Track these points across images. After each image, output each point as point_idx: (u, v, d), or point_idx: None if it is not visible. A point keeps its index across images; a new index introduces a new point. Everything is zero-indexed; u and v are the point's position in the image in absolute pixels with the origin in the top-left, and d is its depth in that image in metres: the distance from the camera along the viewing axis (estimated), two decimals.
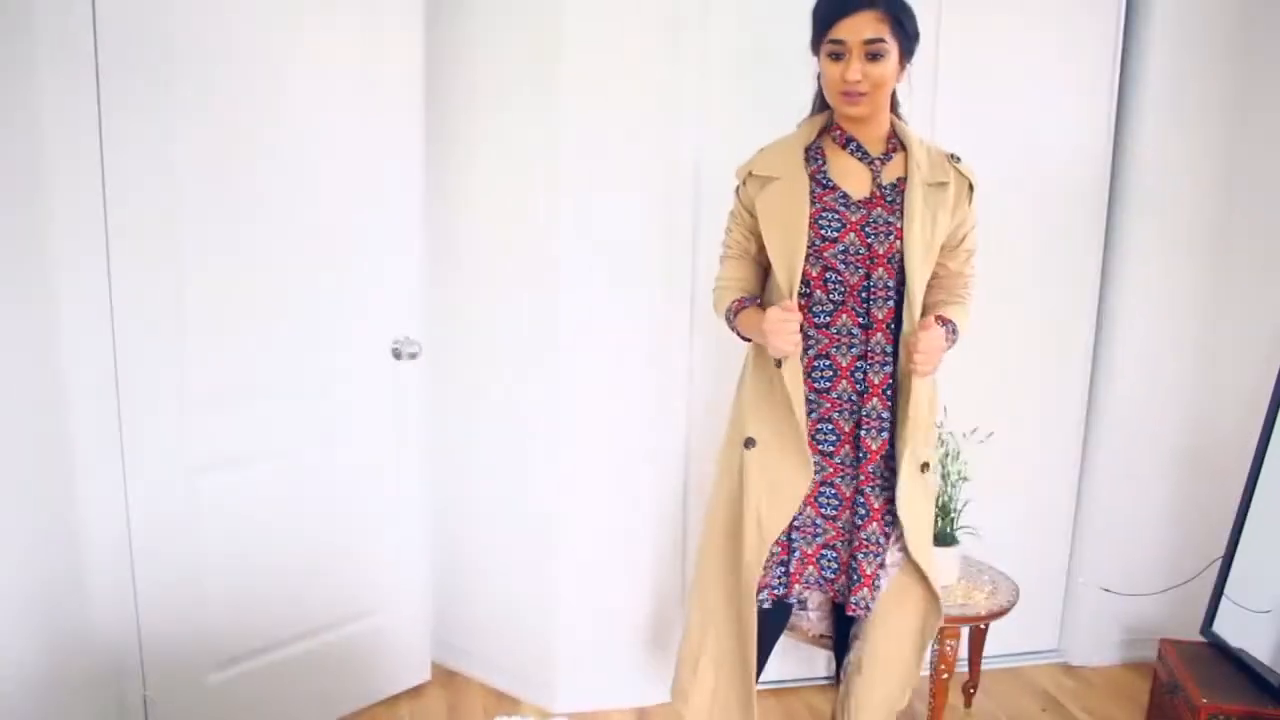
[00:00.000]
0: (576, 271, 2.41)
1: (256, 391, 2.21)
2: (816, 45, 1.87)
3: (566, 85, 2.32)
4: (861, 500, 1.93)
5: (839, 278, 1.89)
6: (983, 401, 2.68)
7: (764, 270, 2.01)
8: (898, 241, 1.86)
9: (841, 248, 1.87)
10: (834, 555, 1.99)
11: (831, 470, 1.97)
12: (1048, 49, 2.62)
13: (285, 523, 2.31)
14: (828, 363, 1.94)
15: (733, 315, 1.98)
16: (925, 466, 1.98)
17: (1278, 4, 2.61)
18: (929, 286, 1.95)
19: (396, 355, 2.45)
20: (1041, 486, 2.86)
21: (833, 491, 1.97)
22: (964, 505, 2.48)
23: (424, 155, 2.45)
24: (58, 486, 1.94)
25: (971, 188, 1.95)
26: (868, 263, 1.87)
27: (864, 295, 1.89)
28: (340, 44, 2.24)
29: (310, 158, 2.22)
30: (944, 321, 1.92)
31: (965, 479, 2.46)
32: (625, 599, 2.58)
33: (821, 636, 2.22)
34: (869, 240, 1.87)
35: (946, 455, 2.47)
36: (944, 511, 2.47)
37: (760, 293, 2.01)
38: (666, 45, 2.34)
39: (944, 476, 2.46)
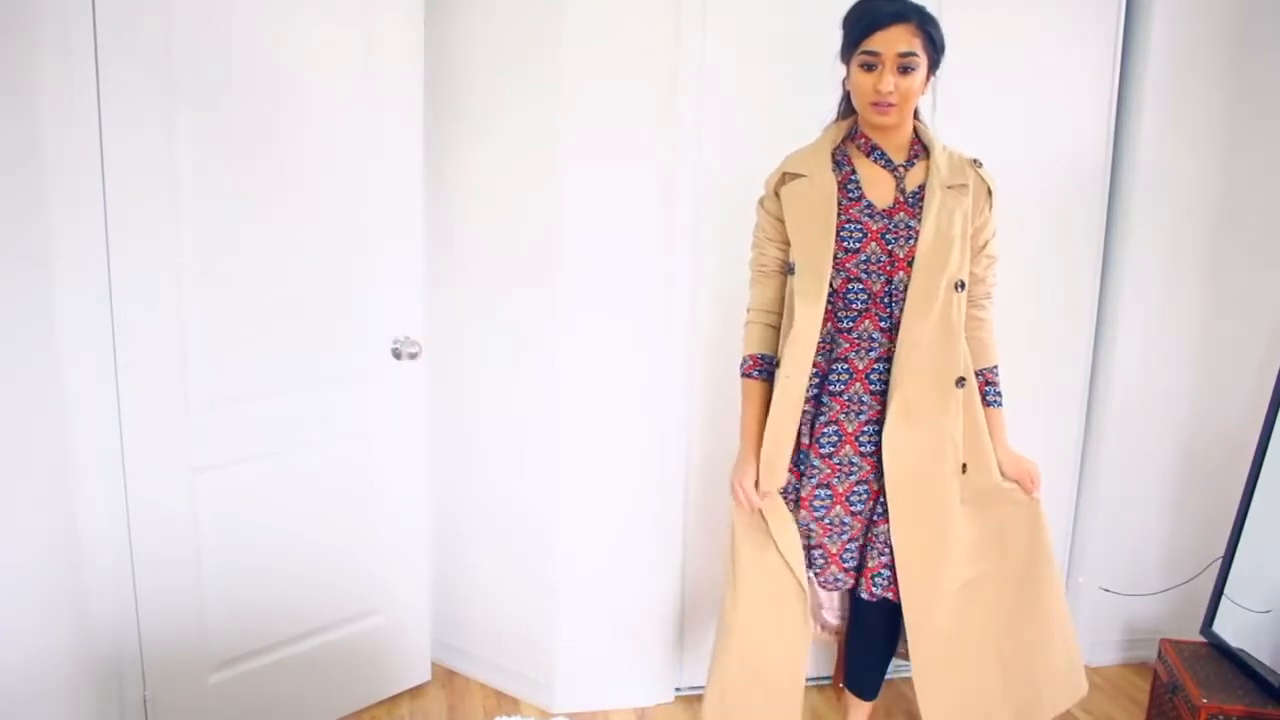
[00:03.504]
0: (576, 271, 2.40)
1: (256, 391, 2.21)
2: (848, 55, 1.91)
3: (566, 82, 2.32)
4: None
5: (861, 286, 1.94)
6: None
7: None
8: (915, 244, 1.91)
9: (863, 258, 1.92)
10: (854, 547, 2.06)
11: (830, 471, 1.99)
12: (1048, 49, 2.62)
13: (285, 523, 2.31)
14: (845, 366, 1.97)
15: (739, 370, 2.06)
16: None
17: (1278, 4, 2.61)
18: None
19: (396, 355, 2.45)
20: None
21: (828, 493, 2.00)
22: None
23: (423, 153, 2.45)
24: (58, 486, 1.94)
25: (990, 192, 1.99)
26: (889, 268, 1.93)
27: (886, 300, 1.94)
28: (340, 39, 2.24)
29: (310, 156, 2.22)
30: (991, 382, 2.06)
31: None
32: (625, 599, 2.58)
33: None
34: (889, 246, 1.92)
35: None
36: None
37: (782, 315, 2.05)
38: (666, 37, 2.34)
39: None
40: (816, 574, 2.07)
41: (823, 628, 2.25)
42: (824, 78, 2.24)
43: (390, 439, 2.49)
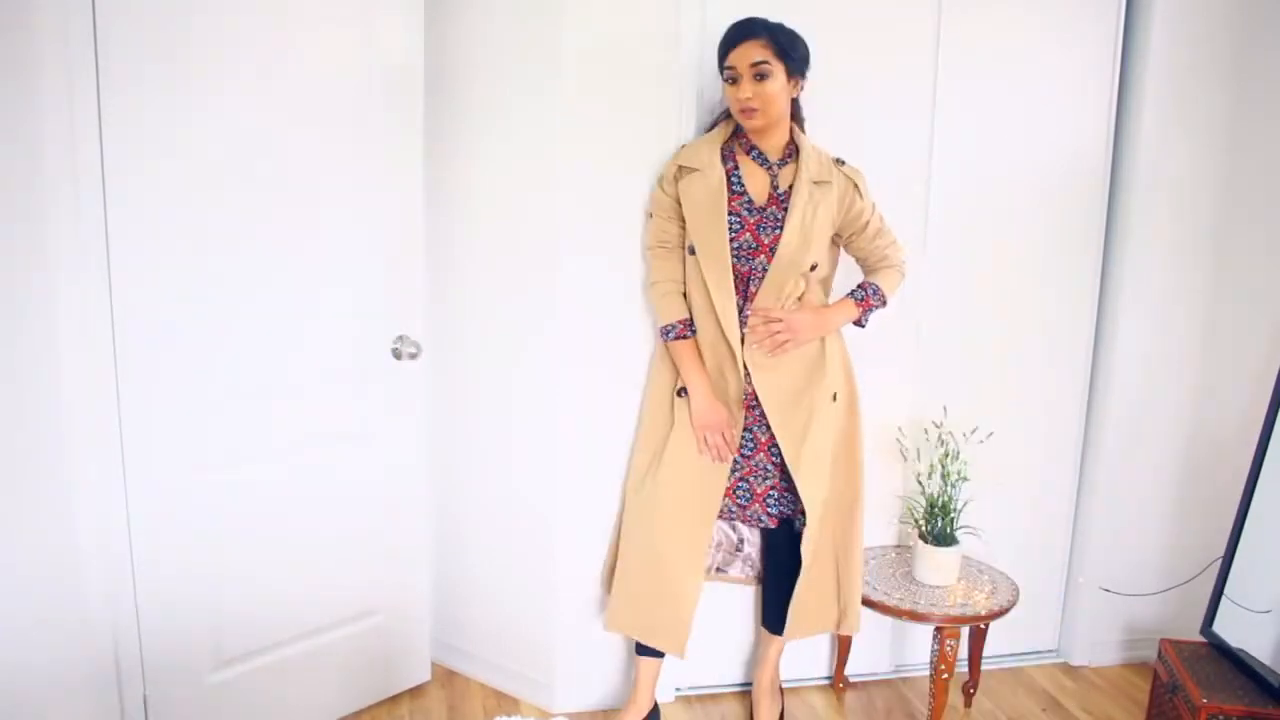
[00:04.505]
0: (576, 271, 2.40)
1: (257, 391, 2.21)
2: (720, 73, 2.19)
3: (566, 82, 2.31)
4: (749, 436, 2.31)
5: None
6: (983, 401, 2.69)
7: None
8: (780, 233, 2.20)
9: (738, 245, 2.22)
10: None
11: (753, 419, 2.30)
12: (1048, 49, 2.62)
13: (285, 523, 2.31)
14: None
15: (672, 335, 2.29)
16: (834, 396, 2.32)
17: (1277, 3, 2.61)
18: (863, 267, 2.39)
19: (396, 355, 2.45)
20: (1041, 486, 2.87)
21: (751, 438, 2.31)
22: (964, 505, 2.48)
23: (423, 153, 2.45)
24: (58, 487, 1.94)
25: (857, 185, 2.27)
26: (754, 252, 2.23)
27: (746, 278, 2.24)
28: (340, 40, 2.24)
29: (310, 156, 2.22)
30: (864, 286, 2.33)
31: (965, 479, 2.46)
32: None
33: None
34: (759, 234, 2.22)
35: (946, 455, 2.48)
36: (944, 511, 2.47)
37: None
38: (667, 38, 2.33)
39: (944, 476, 2.47)
40: (743, 507, 2.34)
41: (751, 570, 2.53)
42: (821, 79, 2.26)
43: (390, 439, 2.49)
